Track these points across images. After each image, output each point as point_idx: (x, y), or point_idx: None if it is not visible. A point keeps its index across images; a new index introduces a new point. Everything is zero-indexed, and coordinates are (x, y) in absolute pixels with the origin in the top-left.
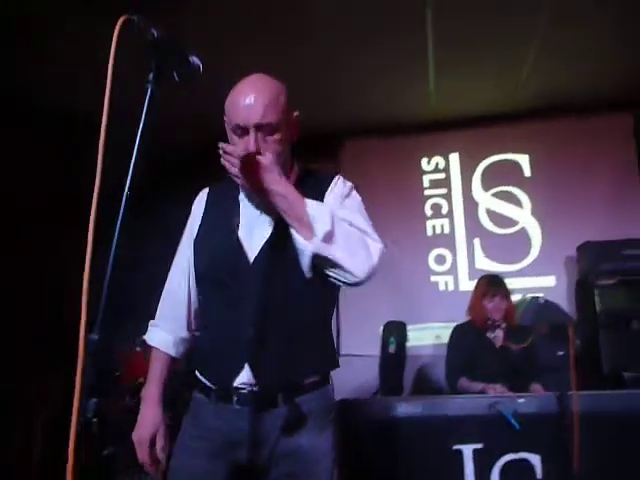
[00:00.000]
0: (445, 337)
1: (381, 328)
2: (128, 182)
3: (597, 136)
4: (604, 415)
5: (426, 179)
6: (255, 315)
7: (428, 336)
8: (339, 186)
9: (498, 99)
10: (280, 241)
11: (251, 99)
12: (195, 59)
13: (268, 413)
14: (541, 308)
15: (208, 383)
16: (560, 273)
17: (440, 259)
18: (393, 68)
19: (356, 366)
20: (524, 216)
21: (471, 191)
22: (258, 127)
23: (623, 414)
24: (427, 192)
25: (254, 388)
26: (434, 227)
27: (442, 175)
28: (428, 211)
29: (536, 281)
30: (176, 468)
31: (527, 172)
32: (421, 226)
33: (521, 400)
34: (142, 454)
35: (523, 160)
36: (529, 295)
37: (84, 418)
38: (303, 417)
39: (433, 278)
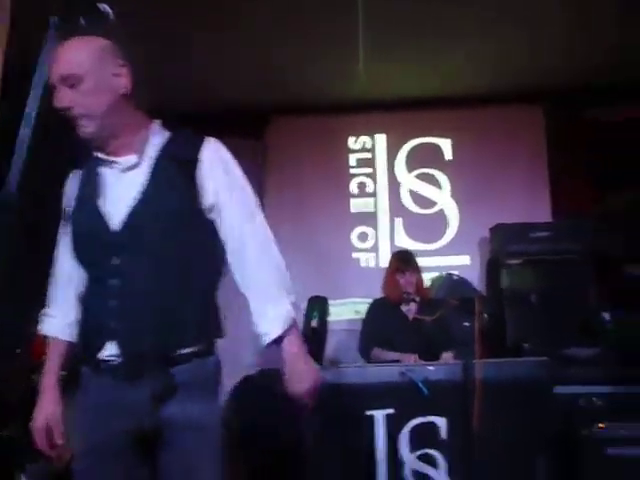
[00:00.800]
0: (364, 312)
1: (305, 303)
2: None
3: (513, 127)
4: (503, 381)
5: (353, 158)
6: (120, 287)
7: (348, 311)
8: (216, 158)
9: (425, 84)
10: (146, 208)
11: (54, 58)
12: (105, 6)
13: (139, 384)
14: (454, 284)
15: (83, 356)
16: (474, 253)
17: (363, 236)
18: (323, 47)
19: None
20: (443, 198)
21: (395, 171)
22: (62, 80)
23: (520, 380)
24: (353, 171)
25: (121, 360)
26: (358, 205)
27: (368, 155)
28: (354, 189)
29: (452, 260)
30: (76, 446)
31: (448, 156)
32: (346, 204)
33: (431, 368)
34: (40, 441)
35: (445, 144)
36: (444, 272)
37: None
38: (174, 387)
39: (355, 255)
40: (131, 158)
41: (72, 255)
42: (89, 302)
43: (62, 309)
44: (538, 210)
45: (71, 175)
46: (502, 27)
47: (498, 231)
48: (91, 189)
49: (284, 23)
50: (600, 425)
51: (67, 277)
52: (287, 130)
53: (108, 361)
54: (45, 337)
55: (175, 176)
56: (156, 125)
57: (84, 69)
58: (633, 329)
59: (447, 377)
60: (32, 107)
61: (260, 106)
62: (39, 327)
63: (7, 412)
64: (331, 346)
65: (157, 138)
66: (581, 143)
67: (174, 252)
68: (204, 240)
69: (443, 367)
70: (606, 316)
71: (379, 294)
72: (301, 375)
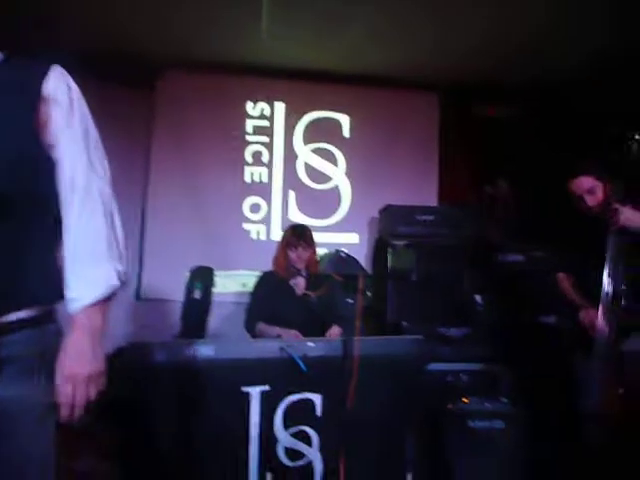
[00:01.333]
0: (252, 285)
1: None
2: None
3: (409, 109)
4: (378, 358)
5: (250, 124)
6: None
7: (235, 284)
8: (62, 90)
9: (329, 56)
10: None
11: None
12: None
13: None
14: (341, 261)
15: None
16: (364, 232)
17: (255, 207)
18: (228, 4)
19: (158, 312)
20: (338, 174)
21: (292, 143)
22: None
23: (394, 357)
24: (249, 138)
25: None
26: (252, 174)
27: (266, 122)
28: (248, 158)
29: (342, 237)
30: None
31: (346, 133)
32: (239, 172)
33: (310, 344)
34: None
35: (344, 120)
36: (334, 249)
37: None
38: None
39: (246, 226)
40: None
41: None
42: None
43: None
44: (426, 194)
45: None
46: (409, 10)
47: (387, 212)
48: None
49: None
50: (464, 400)
51: None
52: (181, 87)
53: None
54: None
55: (8, 104)
56: None
57: None
58: (501, 311)
59: (326, 353)
60: None
61: (154, 57)
62: None
63: None
64: (216, 319)
65: None
66: (469, 135)
67: (3, 198)
68: (42, 186)
69: (323, 344)
70: (478, 299)
71: (269, 268)
72: (81, 356)
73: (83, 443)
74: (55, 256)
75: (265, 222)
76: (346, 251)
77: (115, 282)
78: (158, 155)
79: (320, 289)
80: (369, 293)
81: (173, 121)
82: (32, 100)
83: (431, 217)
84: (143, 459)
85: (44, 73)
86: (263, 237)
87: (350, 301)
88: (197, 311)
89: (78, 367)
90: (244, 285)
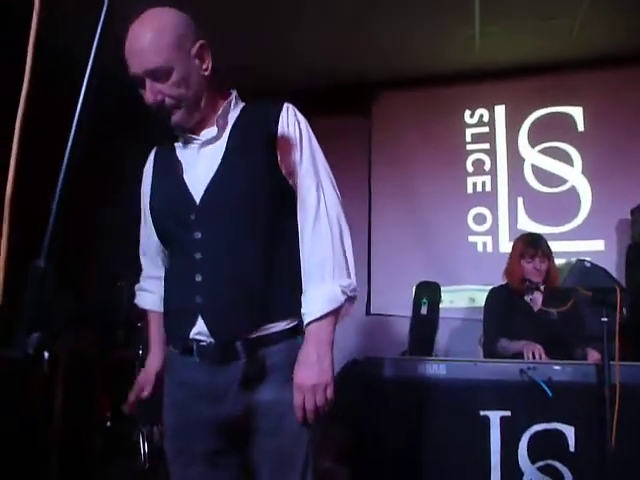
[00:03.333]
0: (480, 300)
1: (414, 288)
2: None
3: None
4: None
5: (469, 133)
6: (204, 260)
7: (462, 298)
8: (294, 123)
9: (549, 46)
10: (227, 178)
11: (132, 46)
12: None
13: (228, 366)
14: (587, 272)
15: (170, 336)
16: (610, 237)
17: (480, 218)
18: (434, 13)
19: (386, 326)
20: (574, 174)
21: (517, 146)
22: (149, 74)
23: None
24: (469, 147)
25: (210, 339)
26: (475, 184)
27: (486, 129)
28: (469, 167)
29: (583, 245)
30: (165, 420)
31: (580, 127)
32: (461, 183)
33: (556, 367)
34: (136, 388)
35: (576, 113)
36: (574, 259)
37: (23, 353)
38: (263, 370)
39: (471, 238)
40: (210, 131)
41: (155, 230)
42: (174, 278)
43: (152, 284)
44: None
45: (152, 153)
46: None
47: None
48: (171, 165)
49: None
50: None
51: (153, 252)
52: (395, 105)
53: (198, 341)
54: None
55: (254, 144)
56: (232, 95)
57: (171, 60)
58: None
59: (576, 379)
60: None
61: (366, 80)
62: (136, 301)
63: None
64: (444, 335)
65: (234, 108)
66: None
67: (257, 222)
68: (286, 208)
69: (571, 367)
70: None
71: (496, 281)
72: (309, 367)
73: (323, 445)
74: (301, 275)
75: (491, 233)
76: (590, 260)
77: (340, 298)
78: (378, 173)
79: (563, 305)
80: (625, 309)
81: (391, 140)
82: (270, 138)
83: None
84: (372, 465)
85: (278, 109)
86: (490, 249)
87: (604, 319)
88: (425, 327)
89: (306, 377)
90: (472, 300)
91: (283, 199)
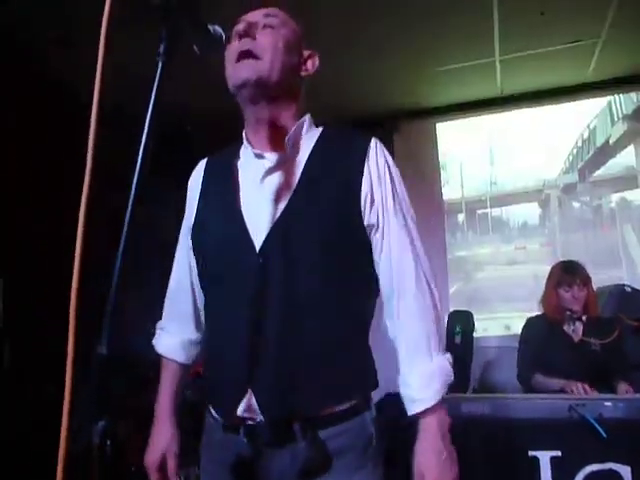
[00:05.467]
0: (515, 328)
1: (445, 317)
2: (136, 174)
3: None
4: None
5: None
6: (260, 323)
7: (498, 326)
8: (384, 165)
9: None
10: (297, 220)
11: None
12: (217, 28)
13: (284, 449)
14: (628, 297)
15: (211, 409)
16: None
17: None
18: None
19: None
20: None
21: None
22: (265, 15)
23: None
24: None
25: (261, 418)
26: None
27: None
28: None
29: None
30: None
31: None
32: None
33: (607, 403)
34: (154, 478)
35: None
36: (612, 283)
37: (89, 442)
38: (327, 457)
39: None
40: (280, 154)
41: (196, 269)
42: (219, 338)
43: (177, 327)
44: None
45: (201, 164)
46: None
47: None
48: (228, 187)
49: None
50: None
51: (185, 292)
52: (416, 135)
53: (246, 419)
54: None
55: (333, 182)
56: (308, 118)
57: (284, 21)
58: None
59: (629, 415)
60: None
61: (389, 112)
62: (153, 342)
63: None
64: (478, 366)
65: (310, 133)
66: None
67: (328, 279)
68: (363, 265)
69: (624, 402)
70: None
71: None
72: (444, 464)
73: None
74: (368, 344)
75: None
76: (629, 284)
77: (451, 376)
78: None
79: (607, 336)
80: None
81: (412, 168)
82: (354, 176)
83: None
84: None
85: (365, 144)
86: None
87: None
88: (459, 358)
89: (446, 476)
90: (507, 328)
91: (359, 254)
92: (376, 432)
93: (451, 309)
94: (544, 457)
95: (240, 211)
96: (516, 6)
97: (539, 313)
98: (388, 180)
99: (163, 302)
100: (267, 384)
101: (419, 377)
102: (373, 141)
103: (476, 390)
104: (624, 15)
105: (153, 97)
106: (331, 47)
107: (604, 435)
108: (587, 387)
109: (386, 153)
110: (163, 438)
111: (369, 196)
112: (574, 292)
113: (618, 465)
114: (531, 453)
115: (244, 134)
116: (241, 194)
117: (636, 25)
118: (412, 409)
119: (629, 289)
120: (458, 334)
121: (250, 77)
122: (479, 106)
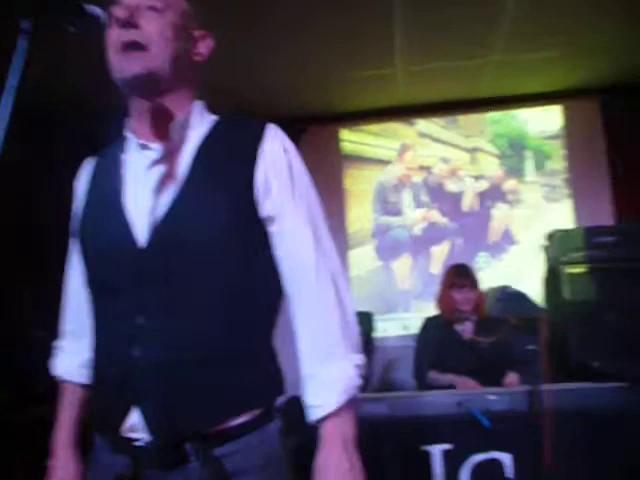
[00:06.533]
0: (413, 328)
1: None
2: None
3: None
4: (576, 411)
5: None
6: (142, 331)
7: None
8: (281, 151)
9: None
10: (186, 216)
11: None
12: (95, 8)
13: (176, 471)
14: (510, 298)
15: (95, 423)
16: None
17: None
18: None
19: None
20: None
21: None
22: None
23: (595, 409)
24: None
25: (150, 438)
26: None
27: None
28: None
29: None
30: None
31: None
32: None
33: (492, 397)
34: None
35: None
36: (497, 285)
37: None
38: (224, 478)
39: None
40: (167, 143)
41: (83, 276)
42: (103, 348)
43: (74, 345)
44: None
45: (86, 163)
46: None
47: (555, 237)
48: (111, 182)
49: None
50: None
51: (80, 305)
52: (324, 140)
53: (131, 439)
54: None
55: (226, 172)
56: (199, 105)
57: (167, 3)
58: None
59: (511, 407)
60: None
61: (295, 116)
62: (50, 363)
63: None
64: (379, 365)
65: (201, 121)
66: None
67: (223, 278)
68: (261, 262)
69: (506, 396)
70: None
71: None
72: (343, 475)
73: None
74: (272, 346)
75: None
76: (511, 286)
77: (357, 381)
78: None
79: (493, 335)
80: (548, 333)
81: (317, 171)
82: (250, 160)
83: (611, 238)
84: None
85: (261, 131)
86: None
87: (531, 347)
88: None
89: None
90: (406, 328)
91: (257, 250)
92: (282, 445)
93: None
94: (436, 451)
95: (123, 207)
96: (417, 20)
97: (435, 314)
98: (285, 167)
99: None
100: (152, 400)
101: (318, 381)
102: (270, 126)
103: (377, 390)
104: (515, 35)
105: (15, 80)
106: (242, 43)
107: (488, 425)
108: (475, 383)
109: (285, 139)
110: (64, 471)
111: (264, 185)
112: (465, 294)
113: (500, 453)
114: (424, 448)
115: (129, 124)
116: (126, 189)
117: (525, 48)
118: (311, 416)
119: (511, 290)
120: (359, 335)
121: (140, 72)
122: (383, 114)
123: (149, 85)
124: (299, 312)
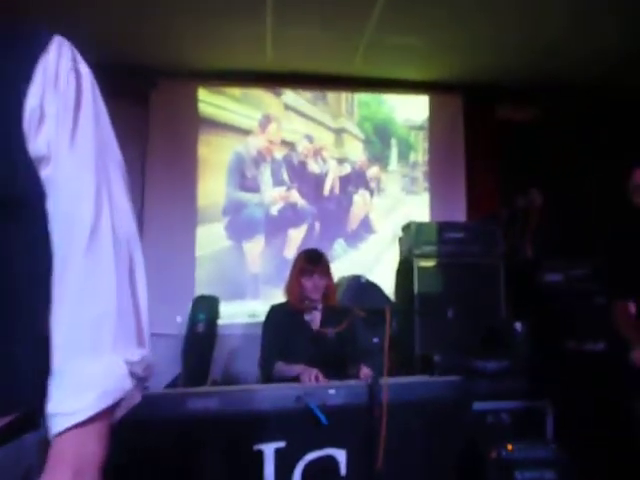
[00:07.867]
0: (260, 315)
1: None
2: None
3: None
4: (412, 404)
5: None
6: None
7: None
8: (65, 71)
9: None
10: None
11: None
12: None
13: None
14: (362, 289)
15: None
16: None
17: None
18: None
19: (156, 348)
20: None
21: None
22: None
23: (431, 402)
24: None
25: None
26: None
27: None
28: None
29: None
30: None
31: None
32: None
33: (331, 391)
34: None
35: None
36: (350, 274)
37: None
38: None
39: None
40: None
41: None
42: None
43: None
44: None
45: None
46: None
47: (410, 230)
48: None
49: None
50: (509, 447)
51: None
52: (175, 97)
53: None
54: None
55: None
56: None
57: None
58: (543, 339)
59: (349, 401)
60: None
61: (149, 68)
62: None
63: None
64: (222, 354)
65: None
66: (494, 139)
67: None
68: (27, 219)
69: (345, 390)
70: (517, 326)
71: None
72: None
73: None
74: (41, 329)
75: None
76: (364, 276)
77: (125, 383)
78: (153, 168)
79: (339, 325)
80: (395, 324)
81: (168, 132)
82: (17, 83)
83: (460, 234)
84: None
85: (42, 43)
86: None
87: (375, 340)
88: (200, 348)
89: None
90: (252, 315)
91: (20, 201)
92: (35, 467)
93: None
94: (269, 449)
95: None
96: None
97: (283, 301)
98: (72, 92)
99: None
100: None
101: (67, 380)
102: (56, 38)
103: (216, 382)
104: (386, 17)
105: None
106: None
107: (325, 422)
108: (320, 375)
109: (79, 59)
110: None
111: (37, 112)
112: (315, 281)
113: (335, 450)
114: (256, 447)
115: None
116: None
117: (394, 32)
118: (51, 429)
119: (363, 280)
120: (202, 321)
121: None
122: (247, 78)
123: None
124: (63, 288)
